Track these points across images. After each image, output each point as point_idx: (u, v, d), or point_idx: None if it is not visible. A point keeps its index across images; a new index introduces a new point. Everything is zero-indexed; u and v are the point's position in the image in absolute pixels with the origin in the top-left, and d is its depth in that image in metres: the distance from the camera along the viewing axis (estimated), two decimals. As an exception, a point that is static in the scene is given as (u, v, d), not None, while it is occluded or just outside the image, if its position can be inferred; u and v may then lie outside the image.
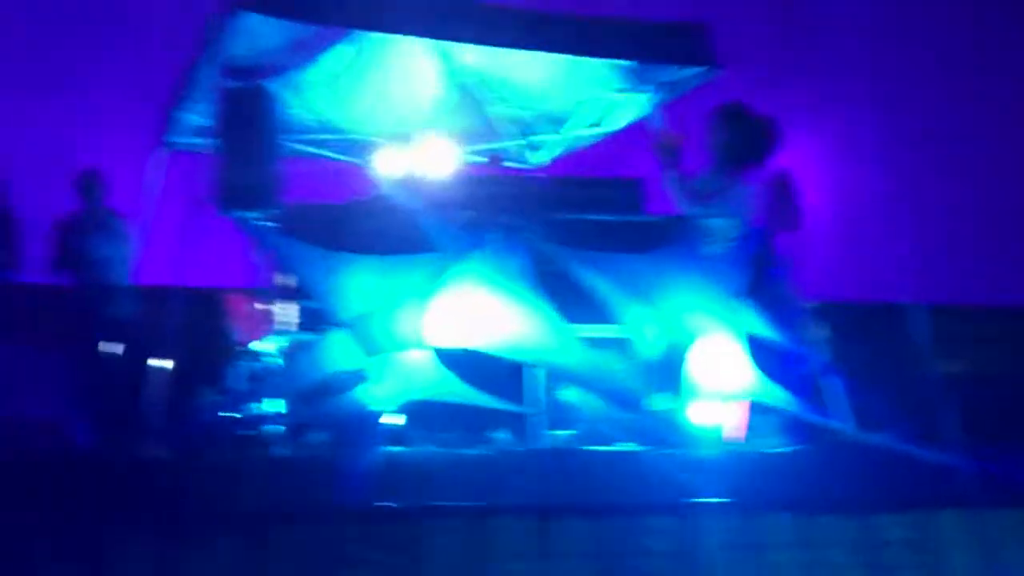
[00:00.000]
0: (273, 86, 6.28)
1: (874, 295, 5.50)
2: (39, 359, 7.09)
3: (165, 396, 5.46)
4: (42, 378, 7.06)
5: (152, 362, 5.70)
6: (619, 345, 5.63)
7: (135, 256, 7.24)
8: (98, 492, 4.42)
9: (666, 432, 5.22)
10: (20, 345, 6.79)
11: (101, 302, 7.17)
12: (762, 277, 5.89)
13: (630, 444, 5.37)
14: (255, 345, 6.19)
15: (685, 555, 4.51)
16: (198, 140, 6.92)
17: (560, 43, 6.50)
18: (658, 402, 5.29)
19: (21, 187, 7.03)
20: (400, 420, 5.11)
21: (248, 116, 5.89)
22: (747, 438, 5.76)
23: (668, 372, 5.34)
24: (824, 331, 6.28)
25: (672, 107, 7.00)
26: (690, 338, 5.40)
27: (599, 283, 5.54)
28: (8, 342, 6.66)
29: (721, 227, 5.75)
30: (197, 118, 7.01)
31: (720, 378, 5.39)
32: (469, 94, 7.62)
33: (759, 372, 5.48)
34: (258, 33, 6.08)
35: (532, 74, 7.21)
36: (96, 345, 7.09)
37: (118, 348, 7.06)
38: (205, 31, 6.18)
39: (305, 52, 6.71)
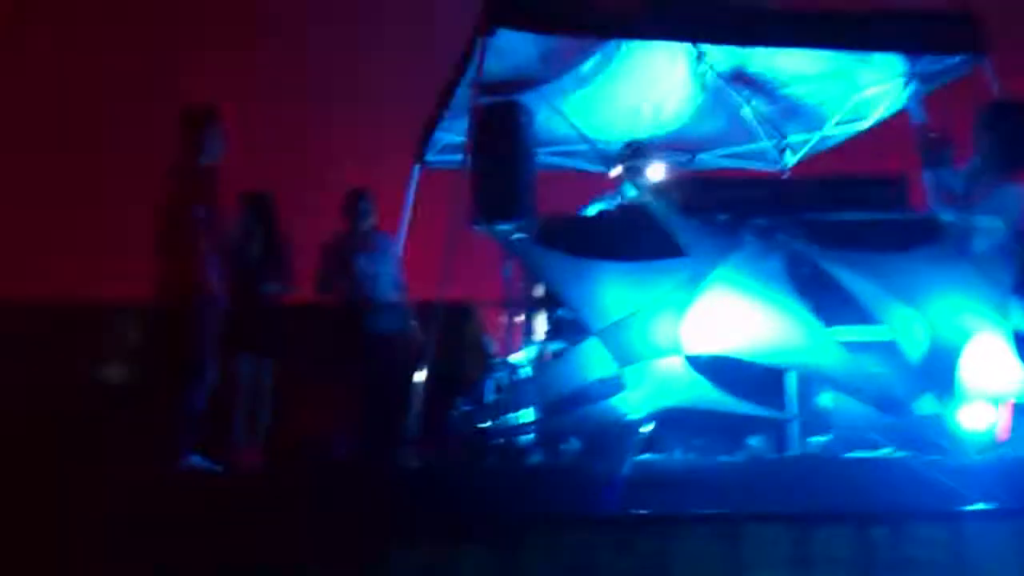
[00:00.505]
0: (526, 99, 6.45)
1: None
2: (309, 375, 7.51)
3: (423, 408, 5.63)
4: (312, 394, 7.48)
5: (415, 375, 5.89)
6: (882, 348, 5.43)
7: (399, 273, 7.54)
8: (358, 501, 4.60)
9: (934, 436, 4.98)
10: (291, 361, 7.19)
11: (367, 319, 7.45)
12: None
13: (894, 450, 5.16)
14: (511, 356, 6.31)
15: (954, 566, 4.33)
16: (454, 157, 7.15)
17: (816, 38, 6.38)
18: (925, 405, 5.07)
19: (290, 206, 7.36)
20: (650, 427, 5.07)
21: (502, 130, 6.03)
22: (1012, 441, 5.45)
23: (935, 374, 5.11)
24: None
25: (937, 103, 6.74)
26: (958, 338, 5.15)
27: (860, 284, 5.37)
28: (280, 359, 7.06)
29: (987, 226, 5.50)
30: (454, 136, 7.28)
31: (990, 379, 5.11)
32: (721, 96, 7.55)
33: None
34: (512, 48, 6.26)
35: (785, 72, 7.09)
36: (363, 361, 7.41)
37: (383, 363, 7.33)
38: (463, 50, 6.38)
39: (557, 63, 6.81)
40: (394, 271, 7.57)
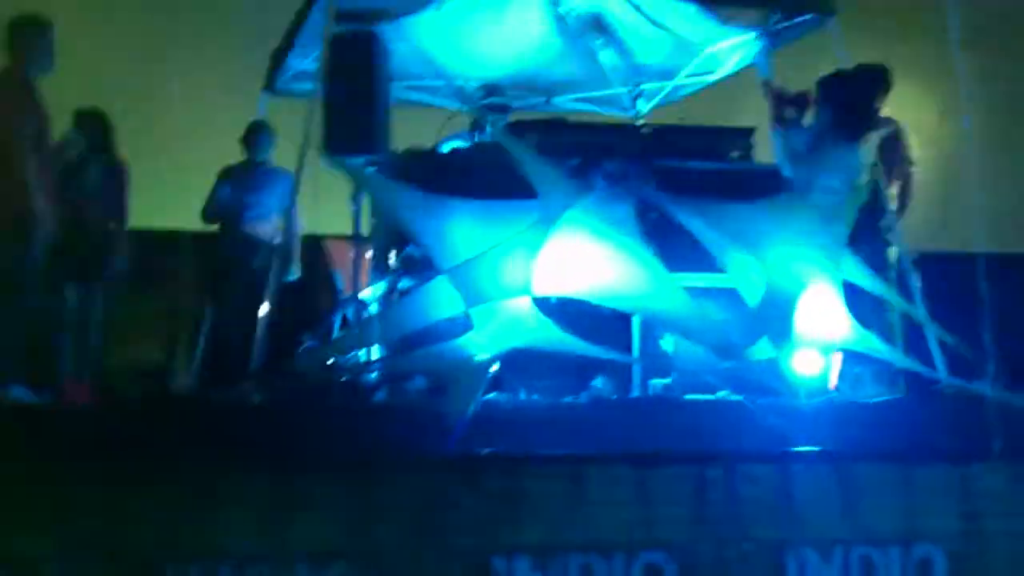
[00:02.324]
0: (382, 30, 6.38)
1: (972, 247, 5.38)
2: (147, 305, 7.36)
3: (269, 343, 5.57)
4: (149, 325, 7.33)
5: (261, 310, 5.81)
6: (722, 294, 5.63)
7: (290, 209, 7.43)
8: (198, 435, 4.54)
9: (768, 381, 5.20)
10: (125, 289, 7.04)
11: (239, 251, 7.36)
12: (865, 228, 5.87)
13: (730, 392, 5.36)
14: (359, 293, 6.29)
15: (782, 503, 4.55)
16: (305, 85, 7.04)
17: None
18: (760, 351, 5.28)
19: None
20: (496, 368, 5.13)
21: (357, 61, 5.99)
22: (840, 387, 5.76)
23: (771, 321, 5.32)
24: (919, 281, 6.23)
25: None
26: (793, 287, 5.37)
27: (704, 231, 5.53)
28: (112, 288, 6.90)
29: (825, 183, 5.75)
30: (307, 63, 7.15)
31: (822, 328, 5.36)
32: (578, 41, 7.61)
33: (857, 322, 5.46)
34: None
35: (641, 21, 7.18)
36: (219, 296, 7.31)
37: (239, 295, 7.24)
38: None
39: (416, -2, 6.78)
40: (278, 207, 7.43)
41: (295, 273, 7.14)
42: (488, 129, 6.89)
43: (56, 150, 6.19)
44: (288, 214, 6.81)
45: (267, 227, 7.38)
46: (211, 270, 7.48)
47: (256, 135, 7.47)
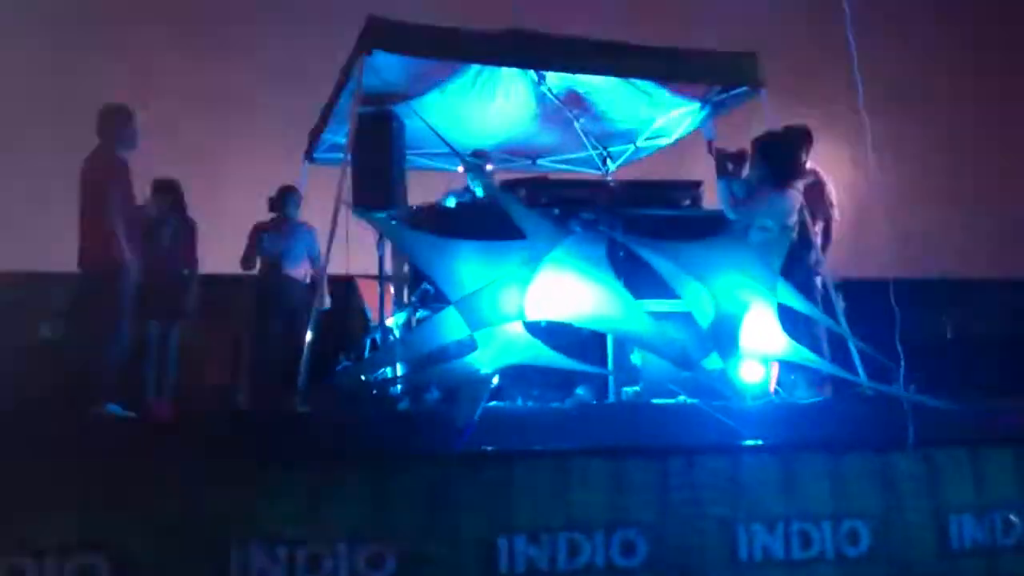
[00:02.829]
0: (398, 110, 6.39)
1: (887, 272, 5.34)
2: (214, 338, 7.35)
3: (312, 364, 5.54)
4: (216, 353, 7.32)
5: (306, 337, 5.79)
6: (679, 317, 5.58)
7: (315, 255, 7.46)
8: (256, 440, 4.50)
9: (719, 387, 5.14)
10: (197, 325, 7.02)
11: (275, 291, 7.35)
12: (796, 260, 5.82)
13: (687, 397, 5.31)
14: (385, 321, 6.26)
15: (732, 488, 4.49)
16: (337, 156, 7.04)
17: (630, 69, 6.49)
18: (712, 362, 5.22)
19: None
20: (496, 380, 5.09)
21: (378, 134, 5.99)
22: (778, 391, 5.69)
23: (720, 338, 5.26)
24: (842, 302, 6.17)
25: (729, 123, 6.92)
26: (738, 310, 5.32)
27: (663, 265, 5.48)
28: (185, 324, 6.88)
29: (761, 224, 5.75)
30: (338, 138, 7.15)
31: (762, 342, 5.31)
32: (557, 113, 7.61)
33: (790, 337, 5.40)
34: (388, 67, 6.18)
35: (606, 95, 7.18)
36: (266, 325, 7.29)
37: (283, 326, 7.23)
38: (345, 66, 6.27)
39: (424, 82, 6.76)
40: (306, 253, 7.49)
41: (327, 305, 7.13)
42: (475, 187, 6.88)
43: (139, 212, 6.19)
44: (319, 258, 6.87)
45: (299, 270, 7.44)
46: (255, 306, 7.45)
47: (289, 196, 7.51)
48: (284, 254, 7.40)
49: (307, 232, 7.50)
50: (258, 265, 7.48)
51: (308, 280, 7.46)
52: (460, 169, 7.29)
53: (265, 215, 7.58)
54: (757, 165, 6.00)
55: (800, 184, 6.02)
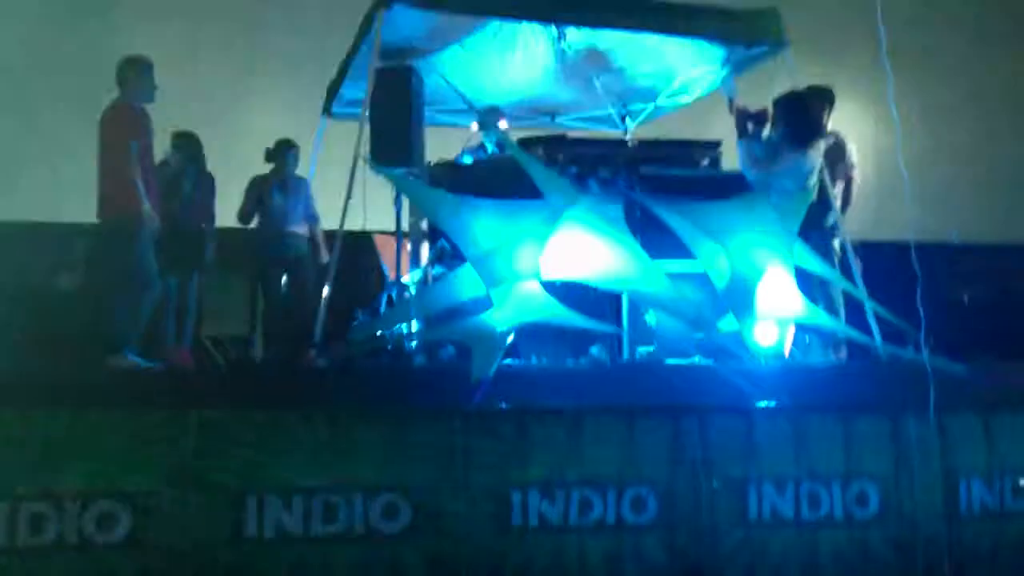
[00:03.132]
0: (418, 66, 6.35)
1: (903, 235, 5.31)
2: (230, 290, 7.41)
3: (330, 317, 5.58)
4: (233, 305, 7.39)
5: (322, 291, 5.82)
6: (695, 278, 5.58)
7: (312, 208, 7.51)
8: (273, 391, 4.56)
9: (733, 348, 5.15)
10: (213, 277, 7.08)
11: (279, 244, 7.35)
12: (814, 222, 5.79)
13: (702, 358, 5.33)
14: (401, 278, 6.30)
15: (744, 447, 4.52)
16: (356, 110, 7.01)
17: (651, 25, 6.42)
18: (727, 324, 5.23)
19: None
20: (512, 338, 5.11)
21: (397, 90, 5.96)
22: (793, 353, 5.70)
23: (735, 299, 5.26)
24: (859, 264, 6.15)
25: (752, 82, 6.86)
26: (754, 272, 5.31)
27: (680, 226, 5.47)
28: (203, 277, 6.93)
29: (780, 185, 5.69)
30: (356, 92, 7.12)
31: (777, 305, 5.30)
32: (576, 70, 7.53)
33: (807, 299, 5.39)
34: (406, 22, 6.12)
35: (627, 52, 7.11)
36: (279, 280, 7.33)
37: (294, 280, 7.26)
38: (364, 20, 6.23)
39: (443, 37, 6.70)
40: (306, 207, 7.46)
41: (325, 259, 7.14)
42: (488, 143, 6.85)
43: (158, 165, 6.21)
44: (316, 214, 7.13)
45: (302, 227, 7.46)
46: (265, 264, 7.47)
47: (288, 150, 7.48)
48: (290, 211, 7.41)
49: (306, 186, 7.52)
50: (256, 219, 7.47)
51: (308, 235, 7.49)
52: (474, 127, 7.26)
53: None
54: (778, 125, 5.96)
55: (821, 145, 5.98)
